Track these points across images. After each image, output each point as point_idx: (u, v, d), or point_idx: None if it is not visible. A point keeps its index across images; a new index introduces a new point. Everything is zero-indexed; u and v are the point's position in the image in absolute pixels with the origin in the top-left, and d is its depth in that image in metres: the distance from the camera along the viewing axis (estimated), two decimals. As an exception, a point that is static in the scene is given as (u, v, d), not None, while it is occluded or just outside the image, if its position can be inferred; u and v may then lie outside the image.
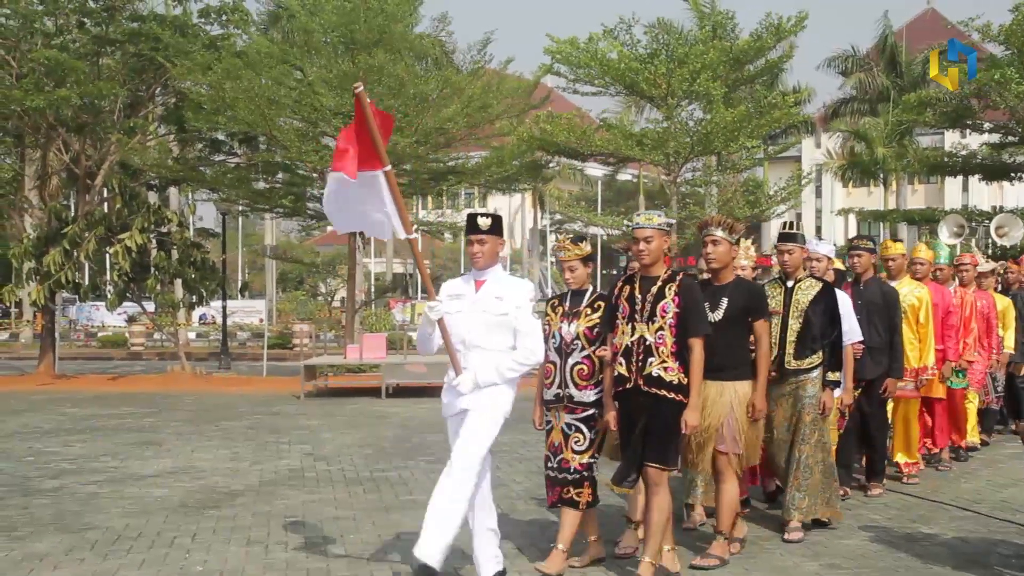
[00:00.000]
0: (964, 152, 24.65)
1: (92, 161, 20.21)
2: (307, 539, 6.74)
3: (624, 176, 45.89)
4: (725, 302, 6.03)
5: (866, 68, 38.26)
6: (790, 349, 6.68)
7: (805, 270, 6.93)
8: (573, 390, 5.81)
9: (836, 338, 6.72)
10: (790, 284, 6.83)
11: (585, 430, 5.80)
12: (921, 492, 8.13)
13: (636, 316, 5.63)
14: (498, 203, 47.79)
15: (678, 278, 5.68)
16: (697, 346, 5.57)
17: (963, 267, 10.00)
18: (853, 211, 32.71)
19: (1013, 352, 10.48)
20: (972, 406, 10.05)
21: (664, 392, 5.53)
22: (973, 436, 10.12)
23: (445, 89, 19.45)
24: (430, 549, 5.06)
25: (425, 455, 9.94)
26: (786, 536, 6.59)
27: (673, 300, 5.58)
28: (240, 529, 7.03)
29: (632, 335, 5.61)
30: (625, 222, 22.91)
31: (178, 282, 21.24)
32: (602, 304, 5.87)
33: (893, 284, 8.33)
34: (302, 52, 19.45)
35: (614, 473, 5.69)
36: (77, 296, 22.75)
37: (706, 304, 5.88)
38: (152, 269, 19.83)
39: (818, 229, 49.97)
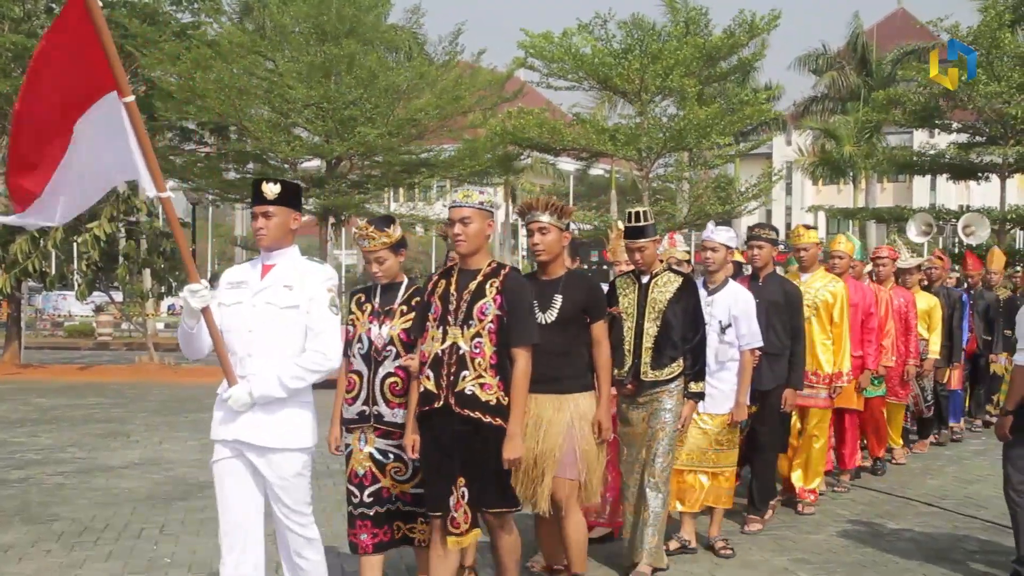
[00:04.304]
0: (932, 151, 24.89)
1: (60, 149, 19.98)
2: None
3: (596, 171, 45.94)
4: (559, 300, 5.00)
5: (837, 67, 38.55)
6: (647, 357, 5.53)
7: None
8: (383, 408, 4.74)
9: (699, 343, 5.62)
10: (645, 280, 5.67)
11: (406, 458, 4.74)
12: (887, 488, 8.22)
13: (449, 318, 4.52)
14: (470, 196, 47.79)
15: (503, 272, 4.58)
16: (522, 358, 4.50)
17: (880, 261, 8.85)
18: (823, 208, 32.96)
19: (939, 357, 9.58)
20: (899, 415, 9.20)
21: (479, 415, 4.45)
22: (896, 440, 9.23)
23: (417, 80, 19.44)
24: None
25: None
26: None
27: (494, 300, 4.50)
28: (209, 521, 6.97)
29: (443, 341, 4.51)
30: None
31: (147, 272, 21.07)
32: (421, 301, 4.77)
33: (805, 277, 7.23)
34: (273, 43, 19.37)
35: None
36: (43, 285, 22.47)
37: (535, 304, 4.87)
38: (121, 258, 19.66)
39: (788, 226, 50.32)
